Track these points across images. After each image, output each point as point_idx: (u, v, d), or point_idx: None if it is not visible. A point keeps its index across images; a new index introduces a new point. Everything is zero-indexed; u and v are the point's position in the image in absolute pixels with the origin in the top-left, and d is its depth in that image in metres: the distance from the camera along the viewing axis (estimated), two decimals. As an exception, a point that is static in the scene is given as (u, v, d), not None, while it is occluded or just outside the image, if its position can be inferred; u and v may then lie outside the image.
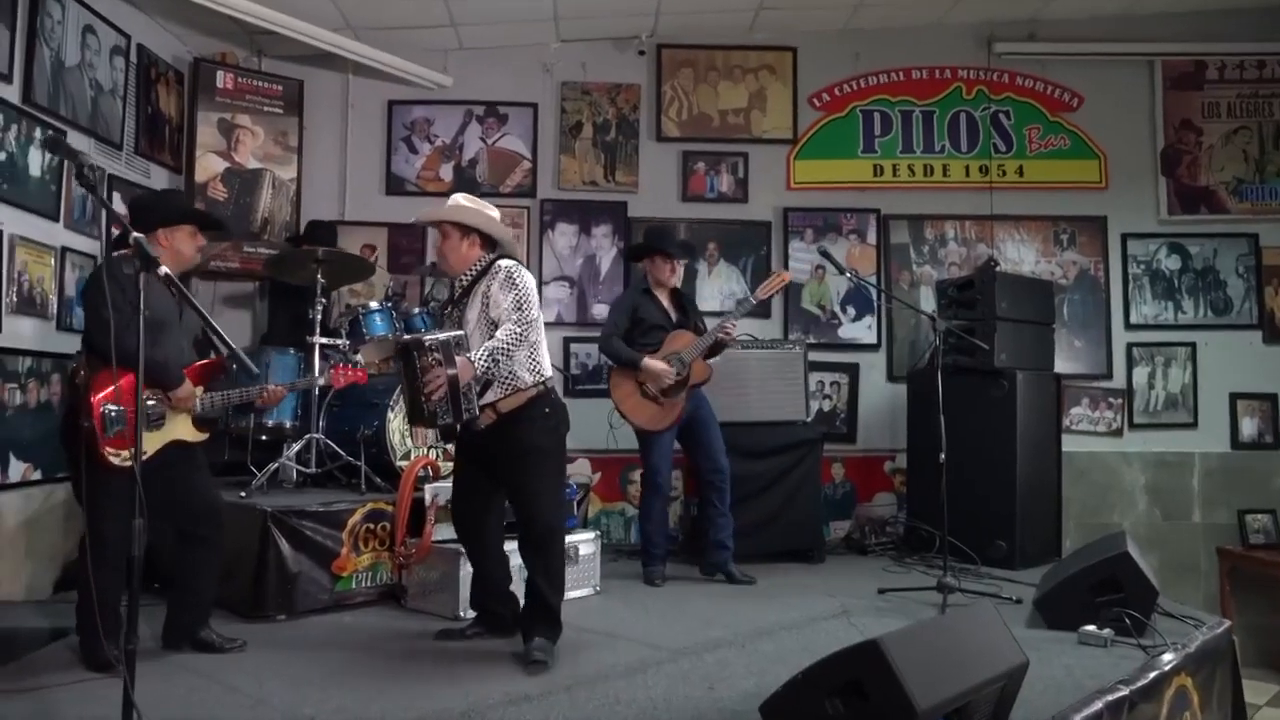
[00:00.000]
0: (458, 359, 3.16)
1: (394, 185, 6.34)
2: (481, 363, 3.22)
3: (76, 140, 4.78)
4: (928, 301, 6.14)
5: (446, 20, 5.89)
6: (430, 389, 3.16)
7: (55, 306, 4.64)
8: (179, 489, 3.32)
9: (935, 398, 4.40)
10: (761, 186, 6.39)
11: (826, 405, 6.35)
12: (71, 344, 4.70)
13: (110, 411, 3.13)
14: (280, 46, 6.16)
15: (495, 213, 3.62)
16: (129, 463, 3.14)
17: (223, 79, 5.93)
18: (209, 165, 5.87)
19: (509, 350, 3.25)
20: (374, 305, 5.14)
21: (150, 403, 3.18)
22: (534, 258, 6.30)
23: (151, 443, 3.20)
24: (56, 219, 4.64)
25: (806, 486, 5.48)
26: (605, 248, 6.35)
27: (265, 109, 6.09)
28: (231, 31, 5.92)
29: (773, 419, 5.55)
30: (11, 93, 4.31)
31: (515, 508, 3.46)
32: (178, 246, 3.34)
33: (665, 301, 4.93)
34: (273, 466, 4.49)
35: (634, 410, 4.71)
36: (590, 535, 4.51)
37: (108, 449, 3.11)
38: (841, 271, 4.71)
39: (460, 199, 3.57)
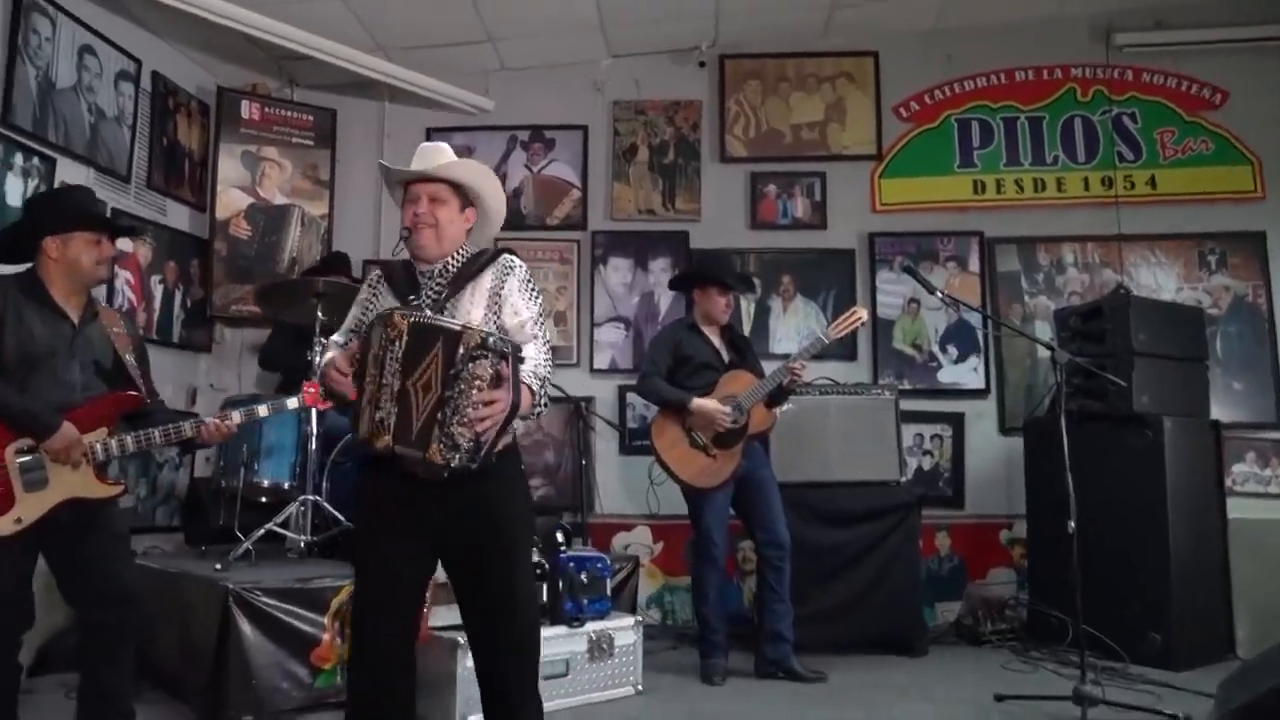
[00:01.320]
0: (522, 382, 2.24)
1: (432, 220, 5.74)
2: (540, 393, 2.32)
3: (72, 169, 4.34)
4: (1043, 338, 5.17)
5: (483, 35, 5.33)
6: (486, 414, 2.12)
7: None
8: (77, 561, 2.66)
9: (1059, 451, 3.49)
10: (842, 210, 5.57)
11: (926, 462, 5.40)
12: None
13: None
14: (313, 74, 5.72)
15: None
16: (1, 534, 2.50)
17: (248, 109, 5.49)
18: (232, 201, 5.40)
19: (548, 381, 2.39)
20: None
21: (24, 457, 2.55)
22: (584, 296, 5.61)
23: (32, 507, 2.55)
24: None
25: (902, 560, 4.55)
26: (664, 284, 5.59)
27: (294, 140, 5.61)
28: (260, 60, 5.50)
29: (859, 479, 4.65)
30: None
31: (483, 600, 2.33)
32: (72, 257, 2.68)
33: (716, 339, 4.14)
34: (258, 533, 3.82)
35: (680, 462, 3.91)
36: (629, 621, 3.69)
37: None
38: (931, 291, 3.84)
39: (445, 147, 2.55)
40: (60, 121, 4.29)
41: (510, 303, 2.38)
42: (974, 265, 5.48)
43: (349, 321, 2.46)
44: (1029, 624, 4.68)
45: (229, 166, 5.41)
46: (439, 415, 2.08)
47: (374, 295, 2.41)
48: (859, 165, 5.60)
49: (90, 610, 2.66)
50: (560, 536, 3.74)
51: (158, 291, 5.01)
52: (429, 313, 2.23)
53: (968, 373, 5.42)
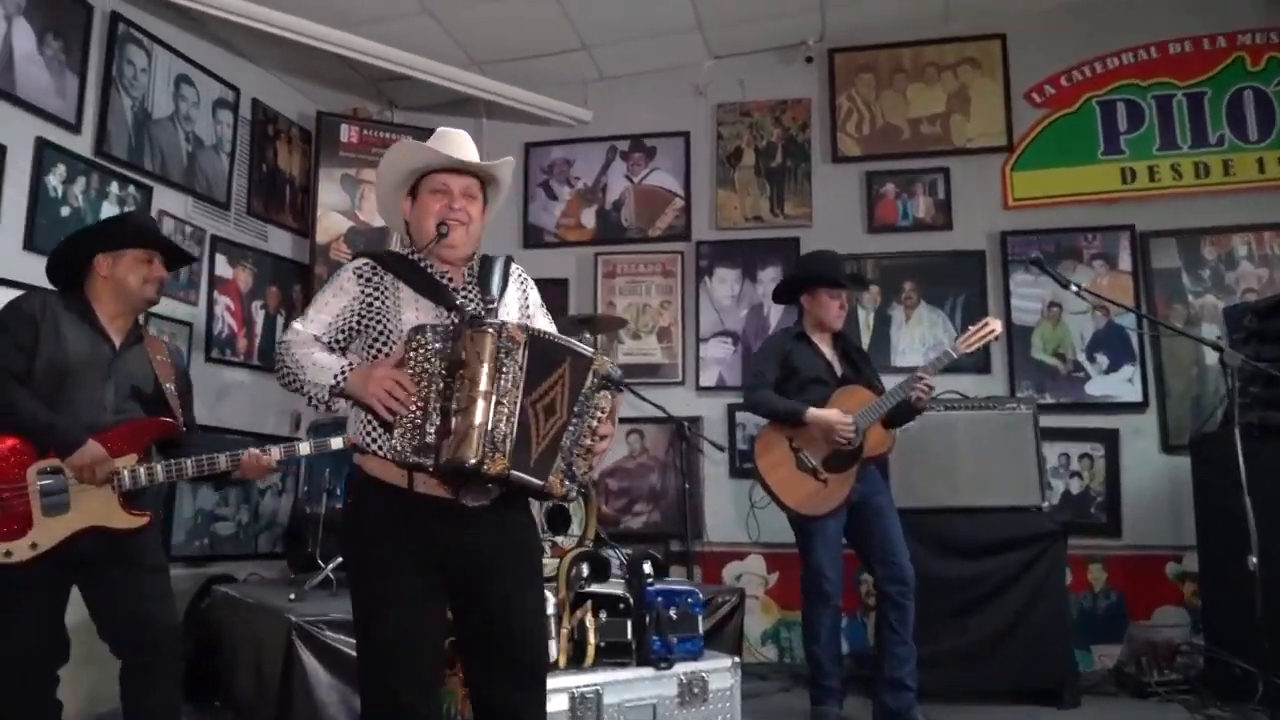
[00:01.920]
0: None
1: (532, 237, 5.59)
2: None
3: (169, 197, 4.38)
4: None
5: (577, 43, 5.14)
6: (602, 447, 2.03)
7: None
8: (105, 599, 2.51)
9: (1234, 471, 2.93)
10: (969, 208, 5.06)
11: (1074, 485, 4.79)
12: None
13: None
14: (411, 95, 5.68)
15: None
16: (9, 559, 2.37)
17: (347, 133, 5.46)
18: (332, 225, 5.37)
19: None
20: None
21: (45, 480, 2.42)
22: (689, 310, 5.29)
23: (50, 532, 2.41)
24: (138, 282, 4.18)
25: (1047, 596, 3.99)
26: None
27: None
28: (359, 83, 5.49)
29: (994, 504, 4.13)
30: (80, 144, 3.92)
31: (501, 634, 2.08)
32: (121, 275, 2.59)
33: (828, 350, 3.74)
34: (336, 561, 3.66)
35: (785, 485, 3.51)
36: (725, 662, 3.30)
37: None
38: (1065, 285, 3.33)
39: (464, 135, 2.26)
40: (157, 150, 4.33)
41: (536, 317, 2.25)
42: (1125, 263, 4.86)
43: (328, 313, 2.07)
44: (1206, 674, 4.00)
45: (329, 191, 5.38)
46: (562, 442, 1.94)
47: (376, 290, 2.06)
48: (987, 159, 5.08)
49: (119, 652, 2.51)
50: (648, 568, 3.40)
51: (259, 317, 5.00)
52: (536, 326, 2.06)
53: (1121, 384, 4.79)
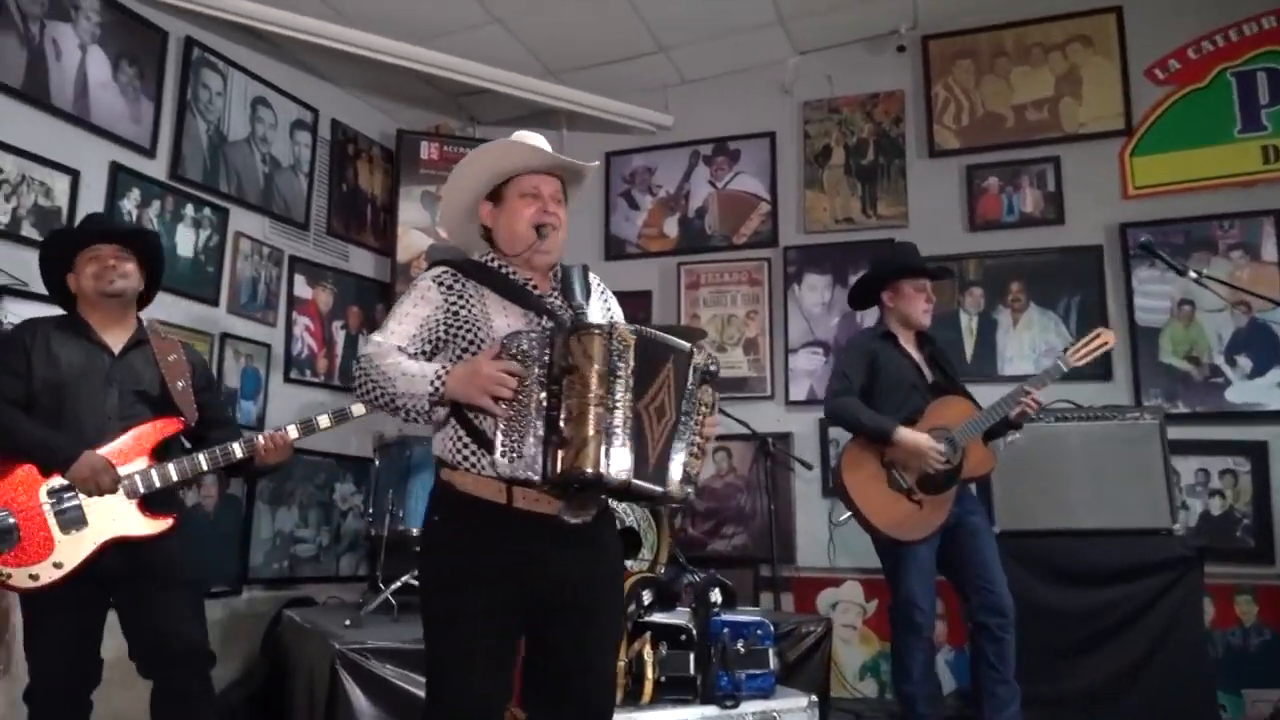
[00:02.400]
0: None
1: (614, 248, 5.41)
2: None
3: (245, 219, 4.41)
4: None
5: (653, 45, 4.95)
6: (708, 434, 1.93)
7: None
8: (134, 615, 2.43)
9: None
10: (1084, 199, 4.60)
11: (1215, 505, 4.25)
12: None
13: None
14: (491, 109, 5.62)
15: None
16: (36, 583, 2.31)
17: (427, 149, 5.43)
18: (413, 243, 5.34)
19: None
20: None
21: (57, 498, 2.35)
22: (777, 320, 5.00)
23: (73, 549, 2.35)
24: (215, 303, 4.22)
25: (1182, 631, 3.53)
26: (867, 300, 4.89)
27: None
28: (439, 100, 5.47)
29: (1115, 526, 3.69)
30: (156, 167, 3.98)
31: (578, 666, 1.97)
32: (83, 285, 2.56)
33: (914, 351, 3.40)
34: (395, 585, 3.55)
35: (875, 506, 3.20)
36: (800, 701, 3.00)
37: (2, 568, 2.31)
38: (1181, 272, 2.94)
39: (541, 139, 2.18)
40: (233, 172, 4.36)
41: None
42: (1269, 252, 4.30)
43: (410, 323, 1.96)
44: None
45: (410, 209, 5.35)
46: (675, 443, 1.86)
47: (461, 298, 1.96)
48: (1102, 144, 4.61)
49: (149, 671, 2.42)
50: (715, 596, 3.14)
51: (339, 337, 4.99)
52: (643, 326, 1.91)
53: (1269, 389, 4.22)
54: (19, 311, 3.24)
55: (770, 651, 3.02)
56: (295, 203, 4.75)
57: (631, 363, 1.81)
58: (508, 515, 1.86)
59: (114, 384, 2.50)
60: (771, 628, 3.07)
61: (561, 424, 1.77)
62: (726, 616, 3.08)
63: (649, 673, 2.87)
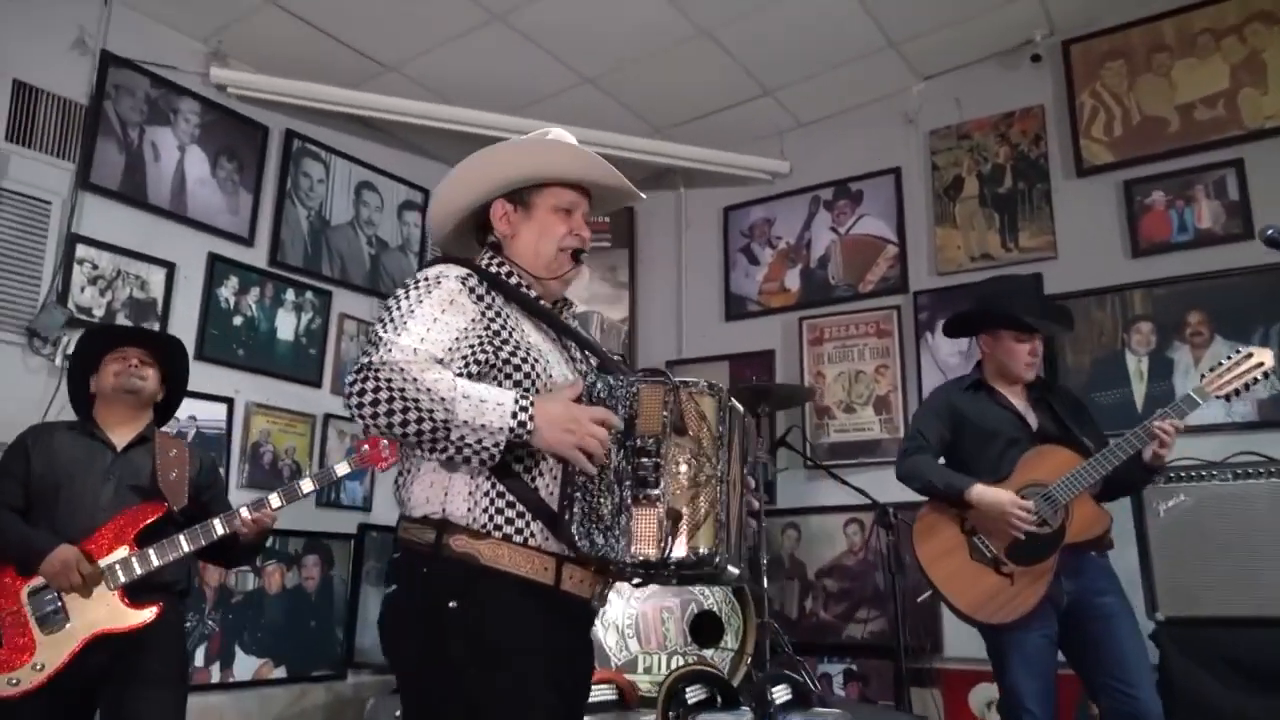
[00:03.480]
0: None
1: (734, 307, 5.08)
2: None
3: (350, 300, 4.50)
4: None
5: (756, 89, 4.66)
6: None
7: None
8: (84, 715, 2.33)
9: None
10: (1275, 206, 3.78)
11: None
12: (338, 522, 4.25)
13: None
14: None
15: None
16: (17, 688, 2.26)
17: (544, 221, 5.38)
18: (531, 315, 5.27)
19: None
20: None
21: (37, 596, 2.32)
22: (909, 374, 4.45)
23: (55, 650, 2.29)
24: (318, 384, 4.29)
25: None
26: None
27: (591, 245, 5.36)
28: (555, 171, 5.42)
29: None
30: (254, 255, 4.14)
31: None
32: (102, 385, 2.63)
33: (1016, 399, 2.83)
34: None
35: (954, 581, 2.67)
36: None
37: None
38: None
39: (571, 138, 1.83)
40: (336, 255, 4.47)
41: None
42: None
43: (443, 331, 1.53)
44: None
45: (527, 281, 5.30)
46: (743, 517, 1.65)
47: (496, 316, 1.61)
48: (1297, 139, 3.79)
49: None
50: (779, 693, 2.68)
51: (454, 412, 4.95)
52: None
53: None
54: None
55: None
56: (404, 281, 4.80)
57: (729, 432, 1.57)
58: (552, 599, 1.54)
59: (111, 478, 2.51)
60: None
61: (660, 494, 1.47)
62: (789, 717, 2.60)
63: (685, 784, 2.46)
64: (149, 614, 2.36)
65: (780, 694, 2.74)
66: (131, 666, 2.34)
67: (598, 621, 3.02)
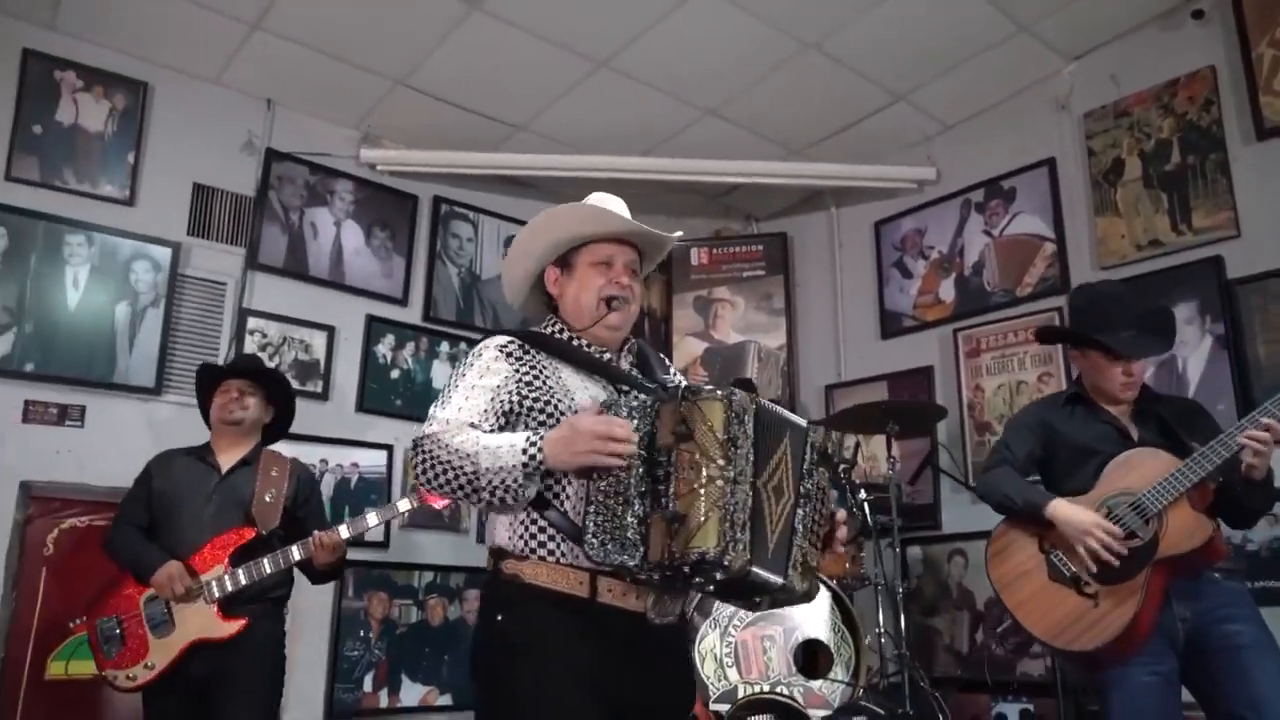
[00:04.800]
0: None
1: (889, 325, 4.85)
2: None
3: (506, 348, 4.78)
4: None
5: (885, 97, 4.46)
6: (844, 535, 1.82)
7: (475, 519, 4.49)
8: (198, 718, 2.61)
9: None
10: None
11: None
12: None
13: (104, 627, 2.70)
14: (758, 204, 5.52)
15: None
16: (134, 683, 2.60)
17: (697, 255, 5.45)
18: (688, 349, 5.33)
19: None
20: None
21: (150, 606, 2.66)
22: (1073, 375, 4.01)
23: (164, 653, 2.61)
24: (475, 428, 4.59)
25: None
26: (1191, 341, 3.73)
27: (745, 275, 5.37)
28: (704, 206, 5.50)
29: None
30: (409, 314, 4.54)
31: None
32: (213, 416, 2.95)
33: (1119, 410, 2.49)
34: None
35: (1030, 605, 2.39)
36: None
37: (108, 671, 2.63)
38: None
39: (619, 201, 1.99)
40: (488, 307, 4.79)
41: None
42: None
43: (479, 397, 1.73)
44: None
45: (683, 316, 5.38)
46: (795, 527, 1.66)
47: (533, 370, 1.76)
48: None
49: None
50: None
51: (614, 449, 5.09)
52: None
53: None
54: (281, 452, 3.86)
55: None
56: (558, 326, 5.03)
57: (750, 434, 1.59)
58: (589, 611, 1.64)
59: (214, 499, 2.81)
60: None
61: (672, 500, 1.54)
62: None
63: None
64: (236, 626, 2.64)
65: (853, 730, 2.56)
66: (229, 671, 2.62)
67: (695, 649, 3.01)
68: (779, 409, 1.70)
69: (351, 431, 4.21)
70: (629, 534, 1.56)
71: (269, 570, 2.67)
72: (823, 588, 3.26)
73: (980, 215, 4.55)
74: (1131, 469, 2.31)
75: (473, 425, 1.70)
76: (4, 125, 3.66)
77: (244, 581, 2.66)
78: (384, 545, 4.18)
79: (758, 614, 3.20)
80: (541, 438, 1.63)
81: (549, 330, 1.89)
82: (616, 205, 1.95)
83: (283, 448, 3.60)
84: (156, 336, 3.80)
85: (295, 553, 2.68)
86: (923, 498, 4.46)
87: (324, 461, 4.09)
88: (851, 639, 3.19)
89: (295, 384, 4.03)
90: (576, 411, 1.71)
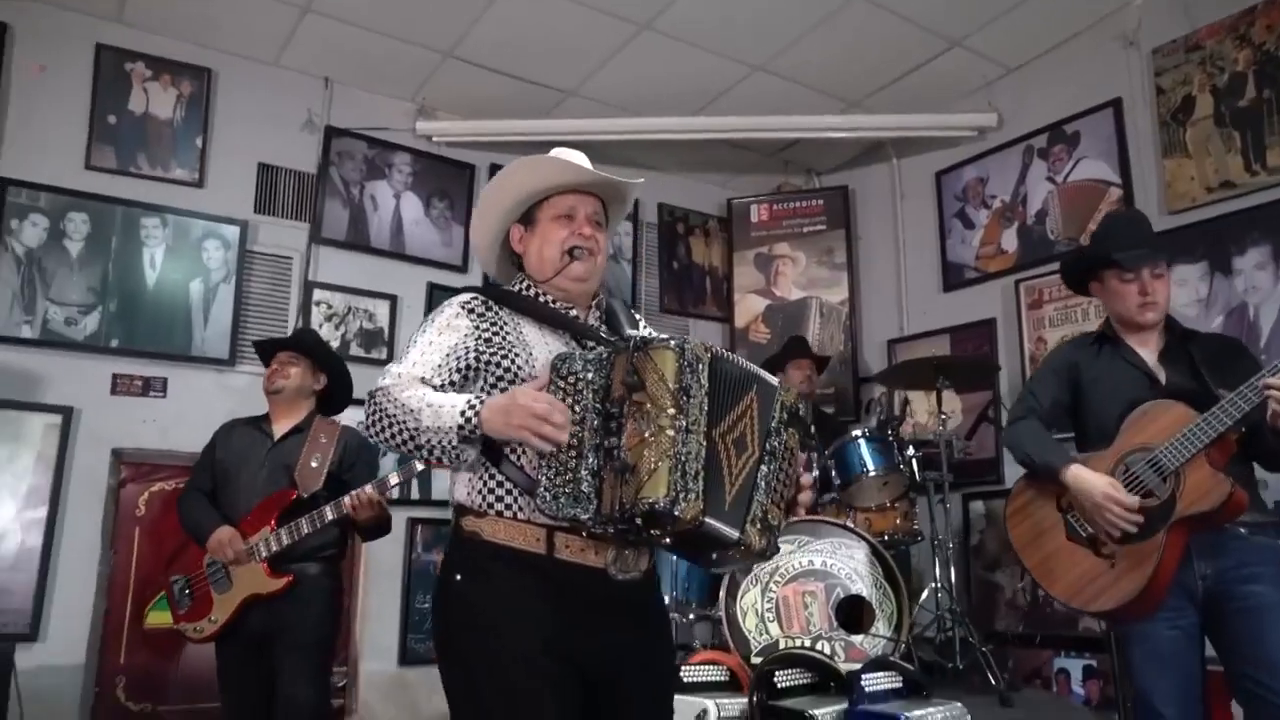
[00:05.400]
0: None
1: (952, 277, 4.75)
2: None
3: (565, 311, 4.87)
4: None
5: (940, 43, 4.31)
6: (804, 498, 1.77)
7: (538, 476, 4.62)
8: (269, 679, 2.80)
9: None
10: None
11: None
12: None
13: (175, 584, 2.95)
14: (818, 158, 5.44)
15: None
16: (201, 635, 2.83)
17: (757, 212, 5.42)
18: (750, 307, 5.34)
19: None
20: (857, 431, 3.79)
21: (211, 565, 2.87)
22: (1140, 331, 3.87)
23: (224, 608, 2.82)
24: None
25: None
26: (1263, 286, 3.55)
27: (805, 230, 5.32)
28: (764, 162, 5.45)
29: None
30: (470, 280, 4.65)
31: None
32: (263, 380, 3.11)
33: (1148, 351, 2.42)
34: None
35: (1048, 565, 2.38)
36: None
37: (180, 624, 2.87)
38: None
39: (580, 155, 1.94)
40: (547, 271, 4.87)
41: None
42: None
43: (435, 353, 1.73)
44: None
45: (744, 274, 5.38)
46: (756, 484, 1.62)
47: (494, 325, 1.76)
48: None
49: None
50: (882, 683, 2.53)
51: (675, 408, 5.15)
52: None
53: None
54: (349, 417, 4.06)
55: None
56: (619, 290, 5.10)
57: (705, 383, 1.56)
58: (547, 568, 1.63)
59: (266, 465, 2.99)
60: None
61: (624, 451, 1.51)
62: (877, 708, 2.46)
63: (755, 770, 2.43)
64: (283, 582, 2.81)
65: (881, 682, 2.57)
66: (284, 623, 2.80)
67: (722, 608, 3.07)
68: (745, 363, 1.67)
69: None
70: (583, 487, 1.52)
71: (307, 530, 2.82)
72: (861, 543, 3.27)
73: (1043, 161, 4.39)
74: (1151, 421, 2.25)
75: (423, 380, 1.67)
76: (82, 118, 3.89)
77: (286, 541, 2.82)
78: (446, 503, 4.35)
79: (798, 570, 3.23)
80: (482, 402, 1.59)
81: (516, 288, 1.86)
82: (577, 157, 1.90)
83: (352, 412, 3.86)
84: (229, 310, 4.01)
85: (329, 512, 2.81)
86: (985, 452, 4.40)
87: (390, 425, 4.28)
88: (893, 594, 3.20)
89: (360, 352, 4.25)
90: (534, 368, 1.70)
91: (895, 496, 3.65)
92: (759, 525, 1.59)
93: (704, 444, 1.53)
